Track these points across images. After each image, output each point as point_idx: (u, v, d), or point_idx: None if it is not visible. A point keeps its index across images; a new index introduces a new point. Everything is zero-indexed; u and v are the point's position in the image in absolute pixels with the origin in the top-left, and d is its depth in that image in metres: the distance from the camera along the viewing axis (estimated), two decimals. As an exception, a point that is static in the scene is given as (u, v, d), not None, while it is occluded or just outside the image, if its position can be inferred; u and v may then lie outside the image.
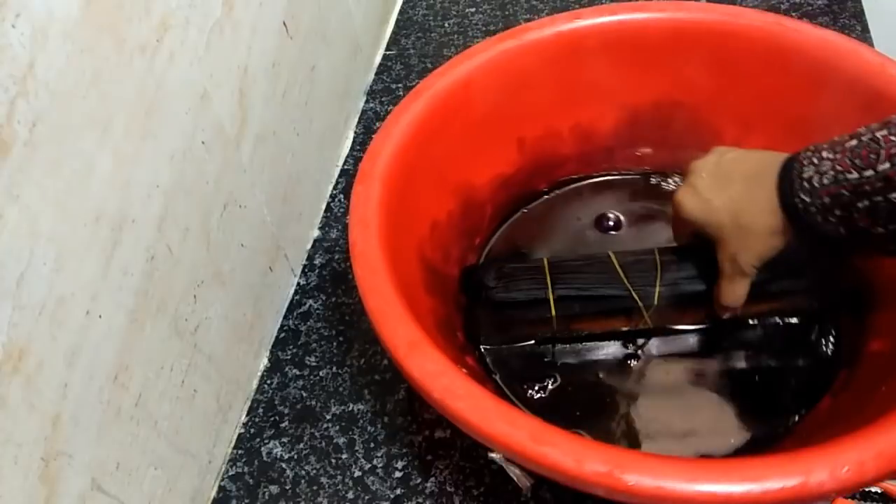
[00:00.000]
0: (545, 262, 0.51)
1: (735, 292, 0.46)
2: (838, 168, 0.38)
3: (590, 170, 0.62)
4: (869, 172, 0.36)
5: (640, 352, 0.51)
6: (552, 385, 0.50)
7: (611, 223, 0.59)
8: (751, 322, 0.52)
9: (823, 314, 0.51)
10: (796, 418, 0.47)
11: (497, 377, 0.51)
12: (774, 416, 0.47)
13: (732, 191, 0.43)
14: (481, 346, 0.52)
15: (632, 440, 0.47)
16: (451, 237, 0.55)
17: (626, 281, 0.49)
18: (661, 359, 0.51)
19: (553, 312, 0.50)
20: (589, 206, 0.61)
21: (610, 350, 0.52)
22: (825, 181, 0.38)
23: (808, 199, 0.39)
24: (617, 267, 0.50)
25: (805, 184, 0.39)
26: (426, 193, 0.52)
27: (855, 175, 0.37)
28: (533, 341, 0.52)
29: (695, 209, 0.44)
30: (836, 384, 0.47)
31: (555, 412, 0.49)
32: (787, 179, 0.40)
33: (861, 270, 0.50)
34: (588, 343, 0.52)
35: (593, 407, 0.49)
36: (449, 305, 0.51)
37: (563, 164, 0.61)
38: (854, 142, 0.38)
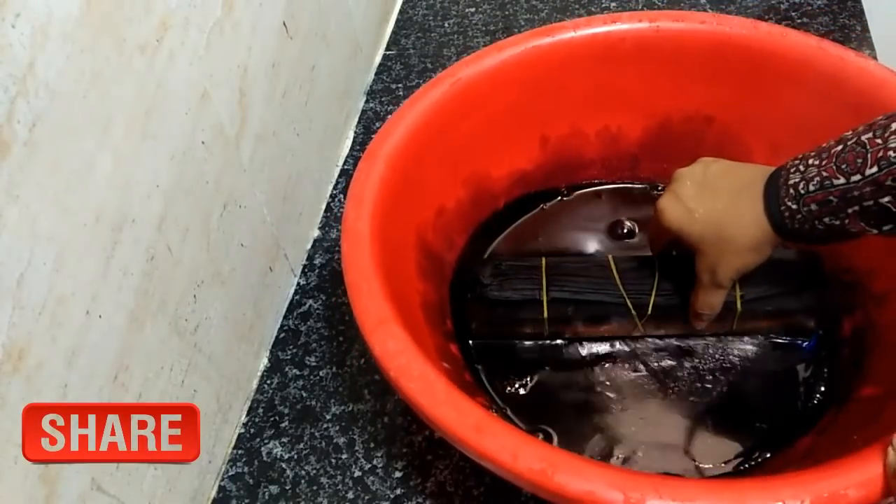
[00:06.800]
0: (543, 262, 0.51)
1: (710, 302, 0.46)
2: (824, 174, 0.37)
3: (612, 176, 0.61)
4: (857, 177, 0.36)
5: (626, 360, 0.51)
6: (532, 383, 0.50)
7: (625, 231, 0.58)
8: (745, 343, 0.51)
9: (822, 352, 0.50)
10: (768, 455, 0.46)
11: (480, 368, 0.51)
12: (750, 445, 0.46)
13: (717, 202, 0.42)
14: (470, 341, 0.52)
15: (601, 446, 0.47)
16: (456, 225, 0.54)
17: (621, 287, 0.49)
18: (646, 370, 0.50)
19: (545, 314, 0.49)
20: (606, 212, 0.60)
21: (596, 355, 0.51)
22: (811, 188, 0.38)
23: (794, 207, 0.39)
24: (614, 272, 0.50)
25: (791, 190, 0.39)
26: (436, 179, 0.51)
27: (842, 180, 0.36)
28: (522, 339, 0.52)
29: (678, 218, 0.44)
30: (822, 423, 0.46)
31: (529, 410, 0.49)
32: (774, 188, 0.40)
33: (867, 308, 0.49)
34: (576, 346, 0.52)
35: (569, 409, 0.49)
36: (442, 292, 0.51)
37: (586, 168, 0.60)
38: (840, 146, 0.37)
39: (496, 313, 0.51)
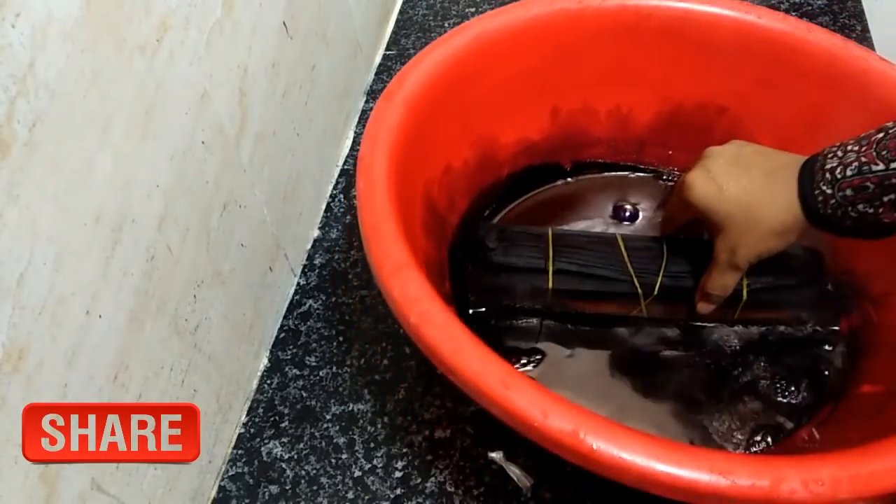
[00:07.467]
0: (550, 232, 0.50)
1: (723, 283, 0.45)
2: (863, 160, 0.37)
3: (618, 158, 0.61)
4: None
5: (627, 341, 0.51)
6: (532, 360, 0.49)
7: (627, 214, 0.58)
8: (746, 332, 0.51)
9: (820, 348, 0.51)
10: (769, 440, 0.46)
11: None
12: (749, 431, 0.46)
13: (749, 182, 0.41)
14: (469, 310, 0.51)
15: None
16: (461, 186, 0.53)
17: (629, 266, 0.48)
18: (647, 352, 0.50)
19: (549, 285, 0.49)
20: (609, 194, 0.60)
21: (598, 334, 0.51)
22: (849, 172, 0.37)
23: (829, 192, 0.38)
24: (623, 250, 0.49)
25: (827, 175, 0.38)
26: (446, 135, 0.50)
27: (881, 167, 0.36)
28: (522, 310, 0.51)
29: (706, 193, 0.43)
30: (820, 415, 0.46)
31: None
32: (809, 172, 0.39)
33: (865, 309, 0.49)
34: (577, 323, 0.51)
35: (569, 388, 0.48)
36: (442, 252, 0.50)
37: (593, 146, 0.60)
38: (881, 134, 0.37)
39: (499, 279, 0.50)
